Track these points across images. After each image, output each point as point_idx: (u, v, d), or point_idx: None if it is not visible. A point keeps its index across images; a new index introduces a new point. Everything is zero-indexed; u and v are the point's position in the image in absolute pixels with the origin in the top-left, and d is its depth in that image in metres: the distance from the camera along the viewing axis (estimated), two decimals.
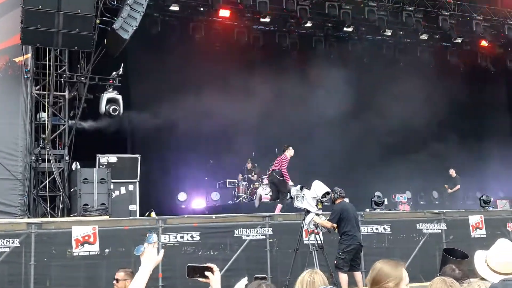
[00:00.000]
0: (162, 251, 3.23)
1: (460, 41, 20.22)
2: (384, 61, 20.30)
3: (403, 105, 18.86)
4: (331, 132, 18.29)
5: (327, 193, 9.98)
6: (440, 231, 12.74)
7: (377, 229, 12.26)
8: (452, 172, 18.95)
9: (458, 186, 18.71)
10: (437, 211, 13.21)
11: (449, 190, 18.76)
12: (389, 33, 19.32)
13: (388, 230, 12.34)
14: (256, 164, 17.34)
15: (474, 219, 13.08)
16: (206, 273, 3.03)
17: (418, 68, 20.21)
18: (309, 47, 19.45)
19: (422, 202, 20.89)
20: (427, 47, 21.01)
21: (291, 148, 13.97)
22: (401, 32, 20.08)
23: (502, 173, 19.58)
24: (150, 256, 3.02)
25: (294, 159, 17.17)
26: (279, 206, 13.28)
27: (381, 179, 18.44)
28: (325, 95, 17.84)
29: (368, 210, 13.01)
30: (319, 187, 10.02)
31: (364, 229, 12.03)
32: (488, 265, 3.33)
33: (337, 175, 17.95)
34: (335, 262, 10.04)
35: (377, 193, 16.37)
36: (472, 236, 12.59)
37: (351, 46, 20.03)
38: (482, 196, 14.32)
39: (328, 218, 10.16)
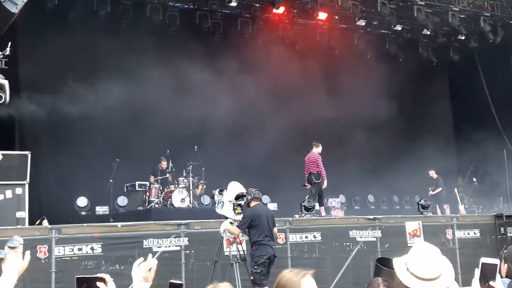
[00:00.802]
0: (28, 255, 3.11)
1: (400, 28, 21.04)
2: (317, 49, 20.81)
3: (335, 98, 19.46)
4: (256, 127, 18.57)
5: (243, 195, 10.03)
6: (375, 239, 13.26)
7: (306, 237, 12.58)
8: (432, 173, 19.74)
9: (440, 188, 19.45)
10: (372, 216, 13.72)
11: (430, 192, 19.43)
12: (324, 17, 19.80)
13: (319, 238, 12.69)
14: (171, 164, 17.26)
15: (411, 226, 13.70)
16: (98, 284, 2.96)
17: (354, 57, 20.89)
18: (235, 29, 19.63)
19: (356, 207, 21.60)
20: (364, 34, 21.72)
21: (320, 145, 14.96)
22: (336, 17, 20.62)
23: (441, 174, 20.56)
24: (13, 262, 2.92)
25: (215, 157, 17.40)
26: (322, 208, 14.75)
27: None
28: (250, 84, 18.09)
29: (297, 216, 13.30)
30: (232, 189, 10.09)
31: (292, 237, 12.32)
32: (411, 273, 3.45)
33: (264, 176, 18.32)
34: (252, 278, 9.99)
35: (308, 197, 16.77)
36: (409, 245, 13.18)
37: (281, 31, 20.36)
38: (420, 201, 15.02)
39: (237, 224, 10.07)
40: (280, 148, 19.35)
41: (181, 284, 3.31)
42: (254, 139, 18.68)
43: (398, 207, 22.67)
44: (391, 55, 22.30)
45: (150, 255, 3.28)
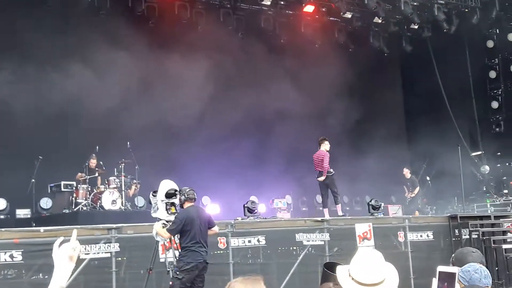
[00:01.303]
0: None
1: (350, 16, 21.35)
2: (261, 37, 20.91)
3: (279, 90, 19.62)
4: (197, 122, 18.55)
5: (175, 192, 9.89)
6: (323, 242, 13.45)
7: (250, 241, 12.64)
8: (406, 172, 20.01)
9: (418, 189, 19.77)
10: (319, 218, 13.91)
11: (409, 195, 19.64)
12: (268, 3, 19.90)
13: (263, 242, 12.77)
14: (101, 162, 17.00)
15: (361, 228, 13.97)
16: None
17: (300, 46, 21.09)
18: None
19: (304, 209, 21.84)
20: (312, 22, 21.93)
21: (326, 141, 15.67)
22: (282, 2, 20.75)
23: (393, 174, 21.01)
24: None
25: (151, 154, 17.27)
26: (339, 206, 15.62)
27: (257, 182, 19.06)
28: (195, 77, 18.09)
29: (239, 218, 13.36)
30: (163, 187, 9.93)
31: (235, 241, 12.37)
32: (352, 278, 3.55)
33: (205, 175, 18.33)
34: (170, 283, 9.80)
35: (252, 198, 16.86)
36: (359, 248, 13.43)
37: (223, 16, 20.37)
38: (371, 201, 15.29)
39: (168, 227, 9.87)
40: (225, 144, 19.40)
41: None
42: (196, 134, 18.66)
43: (348, 208, 23.02)
44: (340, 44, 22.61)
45: (74, 232, 3.20)
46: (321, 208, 22.06)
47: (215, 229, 10.33)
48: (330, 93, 21.18)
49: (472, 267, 4.44)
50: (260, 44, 20.47)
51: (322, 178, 15.68)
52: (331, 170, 15.78)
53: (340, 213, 15.72)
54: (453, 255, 4.69)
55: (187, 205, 10.09)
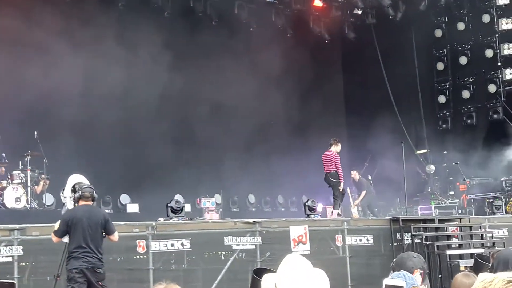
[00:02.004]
0: None
1: None
2: (190, 17, 20.78)
3: (209, 80, 19.56)
4: (116, 114, 18.31)
5: (75, 189, 9.76)
6: (254, 246, 13.49)
7: (173, 245, 12.56)
8: (355, 174, 19.98)
9: (364, 193, 19.82)
10: (251, 220, 13.94)
11: (354, 202, 19.61)
12: None
13: (188, 246, 12.72)
14: (3, 154, 16.55)
15: (296, 231, 14.07)
16: None
17: (233, 30, 21.06)
18: None
19: (235, 209, 21.87)
20: (246, 3, 21.92)
21: (339, 143, 16.58)
22: None
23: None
24: None
25: (62, 146, 16.91)
26: (335, 211, 16.16)
27: (183, 179, 18.96)
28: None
29: (161, 219, 13.26)
30: (70, 182, 9.81)
31: (156, 245, 12.26)
32: None
33: (129, 173, 18.13)
34: None
35: (177, 197, 16.77)
36: (294, 252, 13.53)
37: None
38: (307, 201, 15.43)
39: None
40: (148, 137, 19.22)
41: (12, 283, 3.20)
42: (116, 125, 18.41)
43: (283, 209, 23.20)
44: (278, 29, 22.69)
45: None
46: (254, 209, 22.28)
47: (113, 237, 10.05)
48: (265, 82, 21.23)
49: (396, 275, 4.56)
50: (187, 24, 20.34)
51: (342, 186, 16.62)
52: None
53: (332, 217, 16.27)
54: (394, 260, 4.77)
55: (81, 203, 9.85)
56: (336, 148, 16.79)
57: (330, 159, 16.62)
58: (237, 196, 22.19)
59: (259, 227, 13.73)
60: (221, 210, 19.48)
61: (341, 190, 16.67)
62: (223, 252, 13.53)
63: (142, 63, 19.03)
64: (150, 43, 18.97)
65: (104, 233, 9.89)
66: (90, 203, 9.95)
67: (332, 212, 16.57)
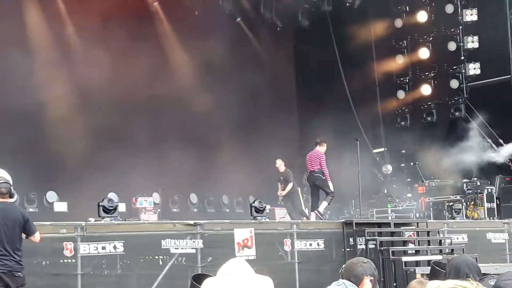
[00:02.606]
0: None
1: None
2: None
3: (146, 69, 19.40)
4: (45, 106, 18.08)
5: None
6: (194, 250, 13.41)
7: (104, 248, 12.39)
8: (280, 164, 19.40)
9: (291, 184, 19.26)
10: (192, 222, 13.86)
11: (281, 193, 19.30)
12: None
13: (121, 249, 12.58)
14: None
15: (241, 234, 14.04)
16: None
17: (176, 13, 20.91)
18: None
19: (175, 210, 21.75)
20: None
21: (324, 143, 17.17)
22: None
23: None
24: None
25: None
26: (324, 203, 16.76)
27: (118, 175, 18.80)
28: None
29: (92, 219, 13.08)
30: None
31: (85, 248, 12.09)
32: None
33: (56, 168, 17.84)
34: None
35: (110, 195, 16.60)
36: (238, 257, 13.50)
37: None
38: (254, 202, 15.39)
39: None
40: (86, 131, 19.01)
41: None
42: (47, 116, 18.13)
43: (228, 210, 23.18)
44: (226, 14, 22.60)
45: None
46: (196, 210, 22.20)
47: (34, 238, 9.94)
48: (208, 72, 21.13)
49: (334, 284, 4.57)
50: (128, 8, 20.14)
51: (331, 186, 17.05)
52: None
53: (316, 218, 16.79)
54: (343, 266, 4.80)
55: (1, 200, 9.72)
56: (321, 148, 17.26)
57: (315, 157, 17.14)
58: (177, 195, 22.07)
59: (201, 229, 13.66)
60: (159, 210, 19.40)
61: (331, 189, 17.07)
62: (161, 257, 13.43)
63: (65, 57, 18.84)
64: None
65: (23, 234, 9.72)
66: (7, 200, 9.79)
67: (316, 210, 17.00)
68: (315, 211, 17.17)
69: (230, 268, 3.75)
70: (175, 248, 13.26)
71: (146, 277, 12.95)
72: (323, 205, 17.13)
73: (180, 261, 13.41)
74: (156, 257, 13.47)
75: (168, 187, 21.06)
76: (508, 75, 23.02)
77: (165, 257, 13.33)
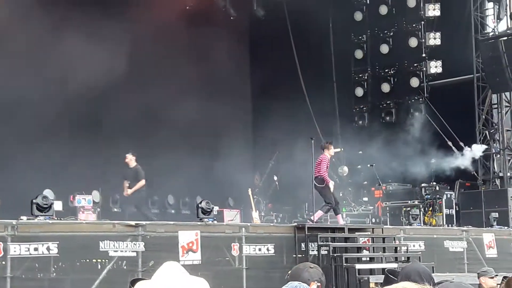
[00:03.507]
0: None
1: None
2: None
3: (89, 56, 19.20)
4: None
5: None
6: (135, 253, 13.32)
7: (36, 249, 12.27)
8: (131, 159, 18.37)
9: (142, 182, 18.24)
10: (133, 222, 13.78)
11: (127, 192, 18.34)
12: None
13: (55, 251, 12.46)
14: None
15: (186, 237, 13.99)
16: None
17: (116, 4, 20.75)
18: None
19: (116, 209, 21.56)
20: None
21: (332, 146, 17.21)
22: None
23: (235, 170, 21.25)
24: None
25: None
26: (319, 212, 16.91)
27: (57, 170, 18.61)
28: None
29: (25, 218, 12.93)
30: None
31: (15, 249, 11.94)
32: None
33: None
34: None
35: (46, 192, 16.38)
36: (182, 262, 13.44)
37: None
38: (201, 203, 15.36)
39: None
40: (18, 120, 18.80)
41: None
42: None
43: (173, 211, 23.07)
44: (174, 2, 22.46)
45: None
46: (135, 210, 22.02)
47: None
48: (154, 63, 20.96)
49: (290, 286, 4.60)
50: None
51: (331, 187, 16.99)
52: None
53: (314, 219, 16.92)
54: (289, 272, 4.83)
55: None
56: (328, 152, 17.24)
57: (318, 162, 17.09)
58: (119, 194, 21.85)
59: (143, 231, 13.59)
60: (99, 209, 19.23)
61: (330, 200, 17.02)
62: (99, 260, 13.31)
63: None
64: None
65: None
66: None
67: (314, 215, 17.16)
68: (308, 219, 17.45)
69: (164, 272, 3.79)
70: (115, 251, 13.18)
71: (82, 281, 12.85)
72: (317, 214, 17.12)
73: (119, 265, 13.34)
74: (94, 260, 13.33)
75: (109, 185, 20.85)
76: (471, 75, 23.34)
77: (103, 260, 13.23)
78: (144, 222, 14.04)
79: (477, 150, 22.61)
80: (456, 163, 22.57)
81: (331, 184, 17.04)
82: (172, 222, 15.08)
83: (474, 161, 22.72)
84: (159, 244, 13.77)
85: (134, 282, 5.48)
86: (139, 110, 21.27)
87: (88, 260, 13.35)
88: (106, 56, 19.17)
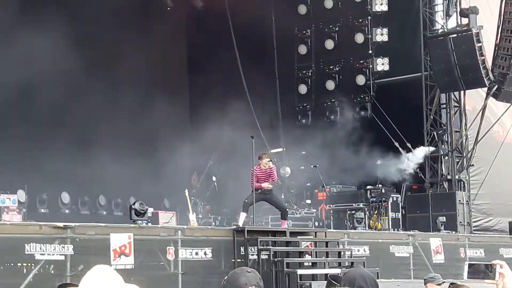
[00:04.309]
0: None
1: None
2: None
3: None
4: None
5: None
6: (63, 257, 13.23)
7: None
8: None
9: None
10: (62, 224, 13.66)
11: None
12: None
13: None
14: None
15: (118, 240, 13.92)
16: None
17: None
18: None
19: (43, 210, 21.39)
20: None
21: (263, 156, 17.29)
22: None
23: (171, 170, 21.23)
24: None
25: None
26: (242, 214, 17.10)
27: None
28: None
29: None
30: None
31: None
32: None
33: None
34: None
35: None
36: (114, 266, 13.37)
37: None
38: (134, 204, 15.30)
39: None
40: None
41: None
42: None
43: (105, 212, 22.95)
44: None
45: None
46: (68, 211, 21.84)
47: None
48: (80, 56, 20.79)
49: None
50: None
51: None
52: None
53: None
54: (225, 277, 4.85)
55: None
56: (261, 161, 17.30)
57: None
58: (47, 193, 21.67)
59: (72, 233, 13.49)
60: (24, 210, 19.01)
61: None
62: (24, 264, 13.19)
63: None
64: None
65: None
66: None
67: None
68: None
69: (93, 275, 3.78)
70: (41, 254, 13.07)
71: (6, 286, 12.70)
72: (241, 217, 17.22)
73: (46, 269, 13.24)
74: (19, 264, 13.20)
75: (36, 184, 20.63)
76: (419, 73, 23.61)
77: (29, 264, 13.10)
78: (73, 224, 13.92)
79: (420, 153, 22.84)
80: (402, 165, 22.81)
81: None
82: (103, 224, 14.98)
83: (421, 163, 22.97)
84: (89, 247, 13.68)
85: (62, 287, 5.44)
86: (69, 107, 21.09)
87: (12, 264, 13.21)
88: (33, 49, 19.05)
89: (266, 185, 17.24)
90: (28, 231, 13.40)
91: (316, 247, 16.76)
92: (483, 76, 21.32)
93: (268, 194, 17.43)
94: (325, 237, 17.34)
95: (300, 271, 15.16)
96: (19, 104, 20.24)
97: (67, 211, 22.07)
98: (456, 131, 23.45)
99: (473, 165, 23.22)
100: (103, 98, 21.32)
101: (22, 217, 17.96)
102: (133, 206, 15.26)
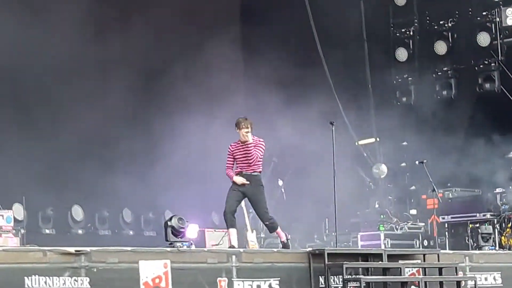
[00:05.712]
0: None
1: None
2: None
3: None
4: None
5: None
6: None
7: None
8: None
9: None
10: (73, 249, 13.80)
11: None
12: None
13: None
14: None
15: (150, 270, 14.10)
16: None
17: None
18: None
19: (48, 231, 21.87)
20: None
21: (241, 124, 16.00)
22: None
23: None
24: None
25: None
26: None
27: None
28: None
29: None
30: None
31: None
32: None
33: None
34: None
35: None
36: None
37: None
38: (170, 219, 15.39)
39: None
40: None
41: None
42: None
43: (131, 232, 23.26)
44: None
45: None
46: (81, 231, 22.20)
47: None
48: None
49: None
50: None
51: (238, 181, 16.53)
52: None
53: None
54: None
55: None
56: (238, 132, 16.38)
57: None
58: (52, 208, 22.03)
59: (87, 261, 13.68)
60: (23, 231, 19.33)
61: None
62: None
63: None
64: None
65: None
66: None
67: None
68: None
69: None
70: None
71: None
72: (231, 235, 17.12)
73: None
74: None
75: (37, 196, 21.01)
76: None
77: None
78: (89, 249, 14.09)
79: None
80: None
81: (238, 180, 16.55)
82: (129, 248, 15.11)
83: None
84: (111, 280, 13.84)
85: None
86: (82, 108, 21.50)
87: None
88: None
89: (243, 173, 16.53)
90: (28, 260, 13.57)
91: (425, 275, 16.73)
92: None
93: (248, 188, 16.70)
94: (438, 261, 17.29)
95: None
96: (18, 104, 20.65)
97: (80, 231, 22.43)
98: None
99: None
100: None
101: (20, 240, 18.30)
102: (169, 223, 15.38)
